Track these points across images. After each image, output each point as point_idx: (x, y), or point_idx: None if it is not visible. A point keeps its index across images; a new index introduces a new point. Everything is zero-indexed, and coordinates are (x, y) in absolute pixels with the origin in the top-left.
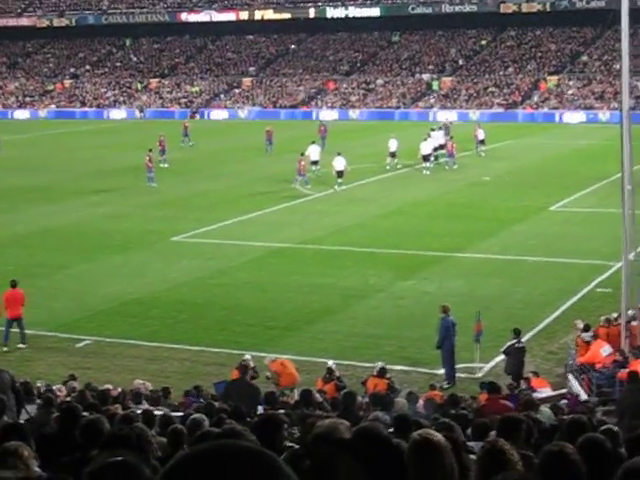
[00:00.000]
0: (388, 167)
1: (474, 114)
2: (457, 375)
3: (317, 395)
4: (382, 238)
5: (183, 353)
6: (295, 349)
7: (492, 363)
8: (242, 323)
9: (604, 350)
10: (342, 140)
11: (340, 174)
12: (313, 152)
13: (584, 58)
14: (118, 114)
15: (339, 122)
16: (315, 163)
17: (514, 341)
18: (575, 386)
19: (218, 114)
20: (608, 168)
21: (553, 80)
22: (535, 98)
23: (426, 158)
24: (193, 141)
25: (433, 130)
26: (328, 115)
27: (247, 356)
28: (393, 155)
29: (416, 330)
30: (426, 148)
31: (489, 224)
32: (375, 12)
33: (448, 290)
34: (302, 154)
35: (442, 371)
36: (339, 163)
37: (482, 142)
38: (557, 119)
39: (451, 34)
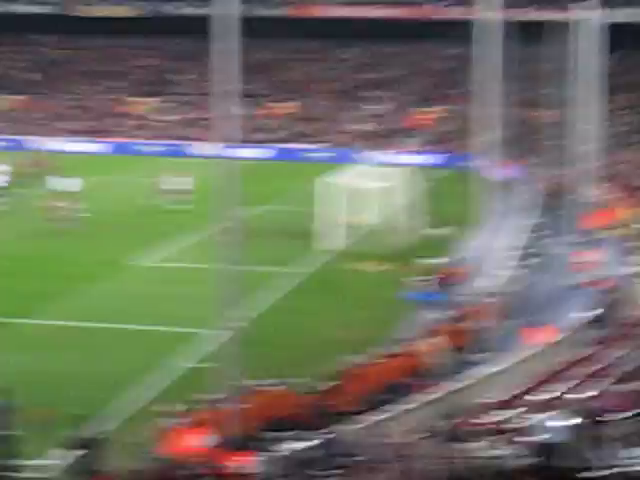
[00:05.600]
0: None
1: (44, 143)
2: None
3: None
4: None
5: None
6: None
7: None
8: None
9: None
10: None
11: None
12: None
13: (177, 77)
14: None
15: None
16: None
17: None
18: None
19: None
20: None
21: (140, 103)
22: (110, 123)
23: None
24: None
25: None
26: None
27: None
28: None
29: None
30: None
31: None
32: None
33: None
34: None
35: None
36: None
37: None
38: (137, 150)
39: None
